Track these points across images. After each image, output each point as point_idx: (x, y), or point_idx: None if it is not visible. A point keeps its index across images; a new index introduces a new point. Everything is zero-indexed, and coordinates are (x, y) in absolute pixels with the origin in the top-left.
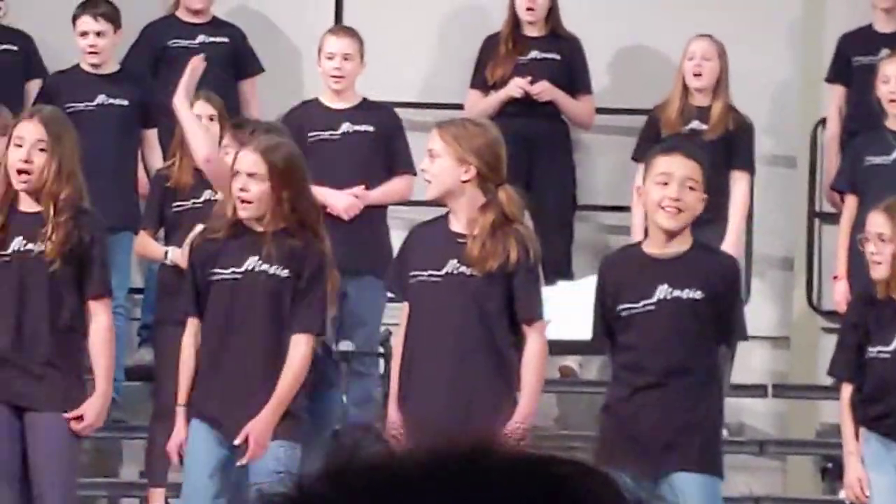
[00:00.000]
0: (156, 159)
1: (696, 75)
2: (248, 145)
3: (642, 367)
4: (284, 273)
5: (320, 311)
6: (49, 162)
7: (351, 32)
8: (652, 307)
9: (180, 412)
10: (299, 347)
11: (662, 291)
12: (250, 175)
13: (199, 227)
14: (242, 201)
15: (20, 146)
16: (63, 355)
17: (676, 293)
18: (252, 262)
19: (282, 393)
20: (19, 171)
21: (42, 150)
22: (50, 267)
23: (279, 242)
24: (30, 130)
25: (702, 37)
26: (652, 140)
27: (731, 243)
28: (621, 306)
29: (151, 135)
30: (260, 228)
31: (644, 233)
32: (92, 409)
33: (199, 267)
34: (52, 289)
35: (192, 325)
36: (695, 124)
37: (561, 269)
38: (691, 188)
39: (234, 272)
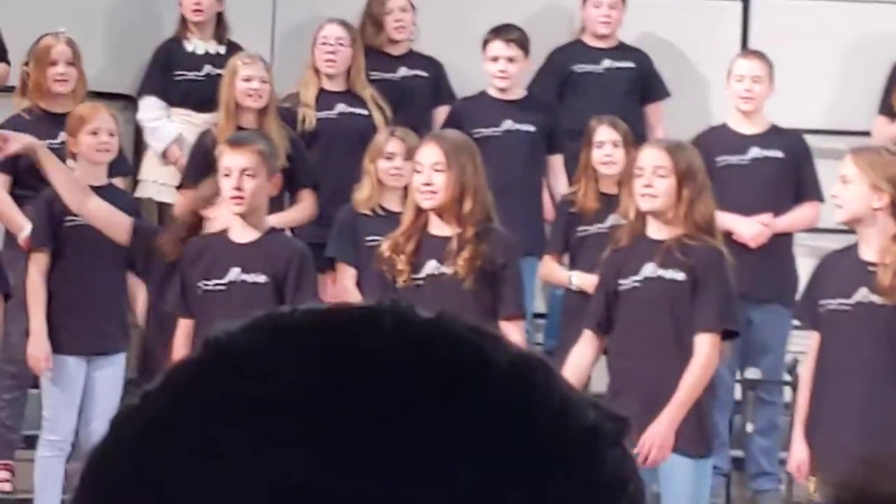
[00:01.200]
0: (561, 185)
1: None
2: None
3: None
4: (683, 277)
5: (725, 307)
6: (448, 182)
7: (761, 56)
8: None
9: None
10: (703, 348)
11: None
12: (656, 171)
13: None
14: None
15: (420, 171)
16: None
17: None
18: (651, 269)
19: (687, 396)
20: (421, 193)
21: (439, 170)
22: (462, 286)
23: (677, 246)
24: (426, 154)
25: None
26: None
27: None
28: None
29: (557, 160)
30: (659, 236)
31: None
32: None
33: (606, 282)
34: (465, 310)
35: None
36: None
37: None
38: None
39: (633, 281)
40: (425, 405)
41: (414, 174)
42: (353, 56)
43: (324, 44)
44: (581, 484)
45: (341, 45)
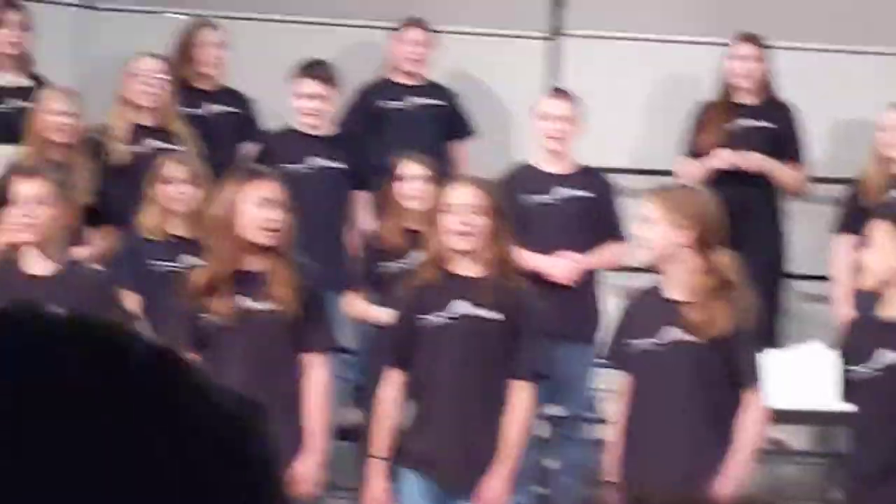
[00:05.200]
0: (367, 220)
1: (891, 146)
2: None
3: None
4: (498, 316)
5: (536, 354)
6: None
7: (570, 96)
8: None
9: (380, 466)
10: (523, 395)
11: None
12: (470, 209)
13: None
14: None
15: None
16: None
17: None
18: (463, 307)
19: (511, 445)
20: (264, 229)
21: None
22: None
23: (490, 284)
24: (275, 191)
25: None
26: (855, 210)
27: None
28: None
29: (363, 196)
30: (469, 273)
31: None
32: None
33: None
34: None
35: (396, 376)
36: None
37: (767, 337)
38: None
39: (439, 316)
40: (68, 400)
41: (255, 208)
42: (166, 90)
43: (139, 76)
44: (230, 470)
45: (157, 78)
